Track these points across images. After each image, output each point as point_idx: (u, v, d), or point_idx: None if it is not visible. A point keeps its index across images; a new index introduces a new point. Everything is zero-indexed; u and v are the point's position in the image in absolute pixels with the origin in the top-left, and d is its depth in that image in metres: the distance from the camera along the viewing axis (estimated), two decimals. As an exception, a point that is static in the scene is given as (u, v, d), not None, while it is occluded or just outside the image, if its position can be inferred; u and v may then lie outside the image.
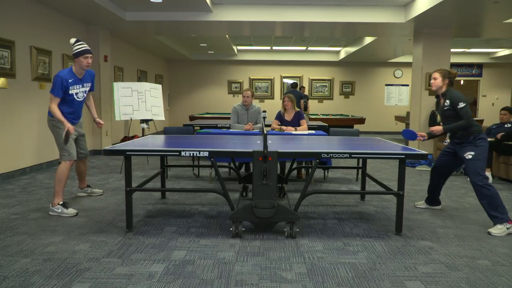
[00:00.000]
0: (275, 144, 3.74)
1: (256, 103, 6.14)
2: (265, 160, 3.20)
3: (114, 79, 9.22)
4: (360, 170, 4.98)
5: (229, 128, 6.06)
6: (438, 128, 3.78)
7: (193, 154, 3.25)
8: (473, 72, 14.44)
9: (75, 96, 4.04)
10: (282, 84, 14.75)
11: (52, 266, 2.70)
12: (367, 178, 4.53)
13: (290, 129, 5.56)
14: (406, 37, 9.23)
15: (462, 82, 14.26)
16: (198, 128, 6.79)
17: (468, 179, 5.78)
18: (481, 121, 10.32)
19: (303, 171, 6.08)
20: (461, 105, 3.61)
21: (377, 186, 4.28)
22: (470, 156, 3.61)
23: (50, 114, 4.00)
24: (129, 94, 6.00)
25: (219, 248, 3.07)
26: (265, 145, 3.23)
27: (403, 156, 3.30)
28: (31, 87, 6.09)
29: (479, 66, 14.38)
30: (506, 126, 5.95)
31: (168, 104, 14.62)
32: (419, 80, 8.32)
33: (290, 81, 12.22)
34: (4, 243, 3.13)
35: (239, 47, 13.56)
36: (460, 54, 13.51)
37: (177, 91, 14.89)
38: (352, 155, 3.31)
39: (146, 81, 11.52)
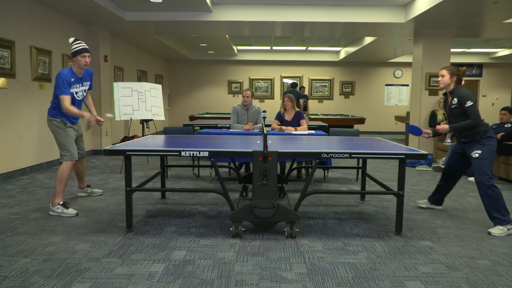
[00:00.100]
0: (275, 144, 3.74)
1: (256, 103, 6.13)
2: (265, 160, 3.20)
3: (114, 79, 9.22)
4: (360, 170, 4.98)
5: (229, 128, 6.06)
6: (444, 127, 3.74)
7: (193, 154, 3.25)
8: (473, 72, 14.44)
9: (75, 95, 4.04)
10: (282, 84, 14.75)
11: (52, 266, 2.70)
12: (367, 178, 4.53)
13: (290, 129, 5.56)
14: (406, 37, 9.23)
15: (462, 82, 14.23)
16: (198, 128, 6.79)
17: (468, 179, 5.83)
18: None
19: (303, 171, 6.08)
20: (469, 103, 3.56)
21: (377, 186, 4.28)
22: (477, 155, 3.57)
23: (50, 114, 4.00)
24: (129, 94, 5.99)
25: (219, 248, 3.07)
26: (265, 145, 3.23)
27: (403, 156, 3.29)
28: (31, 87, 6.09)
29: (479, 66, 14.39)
30: (506, 126, 5.95)
31: (168, 104, 14.62)
32: (419, 80, 8.32)
33: (290, 81, 12.23)
34: (4, 243, 3.13)
35: (239, 47, 13.56)
36: (460, 54, 13.51)
37: (177, 91, 14.89)
38: (352, 155, 3.31)
39: (146, 81, 11.52)
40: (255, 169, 3.25)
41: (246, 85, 14.72)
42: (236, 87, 14.79)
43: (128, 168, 3.35)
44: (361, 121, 10.64)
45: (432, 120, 7.97)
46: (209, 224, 3.65)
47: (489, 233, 3.47)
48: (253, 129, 5.68)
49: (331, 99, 14.84)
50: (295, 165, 4.98)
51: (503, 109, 6.17)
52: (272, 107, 13.25)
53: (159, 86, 6.55)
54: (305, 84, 14.60)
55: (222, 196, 3.43)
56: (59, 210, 3.84)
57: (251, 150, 3.26)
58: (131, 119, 6.18)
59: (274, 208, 3.23)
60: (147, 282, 2.50)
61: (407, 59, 13.03)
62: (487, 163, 3.54)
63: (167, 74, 14.69)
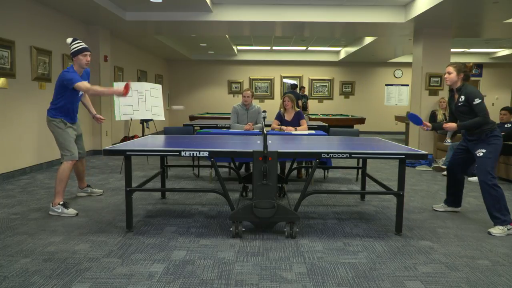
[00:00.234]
0: (275, 144, 3.74)
1: (256, 103, 6.13)
2: (265, 160, 3.20)
3: (114, 79, 9.22)
4: (360, 170, 4.98)
5: (229, 128, 6.06)
6: (452, 125, 3.67)
7: (193, 154, 3.25)
8: (473, 72, 14.43)
9: (78, 94, 4.05)
10: (282, 84, 14.75)
11: (52, 266, 2.70)
12: (367, 178, 4.53)
13: (290, 129, 5.56)
14: (406, 37, 9.23)
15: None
16: (198, 128, 6.79)
17: (469, 179, 5.83)
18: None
19: (303, 171, 6.08)
20: (477, 101, 3.51)
21: (377, 186, 4.28)
22: (481, 154, 3.54)
23: (50, 115, 4.00)
24: (129, 94, 5.97)
25: (219, 248, 3.07)
26: (265, 145, 3.23)
27: (403, 156, 3.29)
28: (31, 87, 6.09)
29: (479, 66, 14.39)
30: (506, 126, 5.95)
31: (168, 104, 14.62)
32: (419, 80, 8.32)
33: (290, 81, 12.24)
34: (4, 243, 3.13)
35: (239, 47, 13.56)
36: (460, 54, 13.50)
37: (177, 91, 14.89)
38: (352, 155, 3.31)
39: (146, 81, 11.52)
40: (255, 169, 3.25)
41: (246, 85, 14.72)
42: (236, 87, 14.79)
43: (128, 168, 3.35)
44: (361, 121, 10.64)
45: (432, 120, 7.97)
46: (209, 224, 3.65)
47: (489, 233, 3.47)
48: (253, 129, 5.68)
49: (331, 99, 14.84)
50: (295, 165, 4.98)
51: (503, 109, 6.17)
52: (272, 107, 13.25)
53: (159, 86, 6.55)
54: (305, 84, 14.60)
55: (222, 196, 3.43)
56: (59, 210, 3.84)
57: (251, 150, 3.26)
58: (131, 119, 6.18)
59: (274, 208, 3.23)
60: (147, 282, 2.50)
61: (407, 59, 13.03)
62: (490, 163, 3.52)
63: (167, 74, 14.69)
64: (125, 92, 3.89)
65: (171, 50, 12.02)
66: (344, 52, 13.29)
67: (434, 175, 6.34)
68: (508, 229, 3.45)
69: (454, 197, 4.11)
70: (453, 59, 9.60)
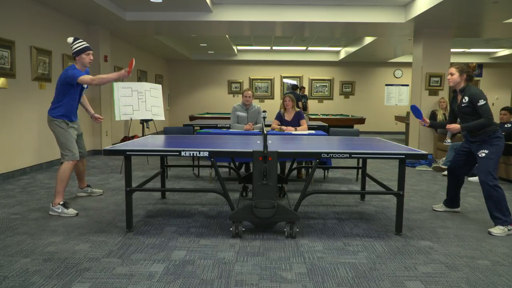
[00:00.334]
0: (275, 144, 3.74)
1: (256, 103, 6.13)
2: (265, 160, 3.20)
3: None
4: (360, 170, 4.98)
5: (229, 128, 6.06)
6: (455, 126, 3.65)
7: (193, 154, 3.25)
8: (475, 72, 14.44)
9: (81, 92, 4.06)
10: (282, 84, 14.75)
11: (52, 266, 2.70)
12: (367, 178, 4.53)
13: (290, 129, 5.56)
14: (406, 37, 9.23)
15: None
16: (198, 128, 6.79)
17: (469, 179, 5.83)
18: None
19: (303, 171, 6.08)
20: (481, 102, 3.49)
21: (377, 186, 4.28)
22: (483, 154, 3.54)
23: (52, 115, 3.99)
24: (129, 94, 5.99)
25: (219, 248, 3.07)
26: (265, 145, 3.23)
27: (403, 156, 3.29)
28: (31, 87, 6.09)
29: (479, 66, 14.38)
30: (506, 126, 5.95)
31: (168, 104, 14.62)
32: (419, 80, 8.32)
33: (290, 81, 12.24)
34: (4, 243, 3.13)
35: (239, 47, 13.56)
36: (460, 54, 13.50)
37: (177, 91, 14.89)
38: (352, 155, 3.31)
39: (146, 81, 11.52)
40: (255, 169, 3.25)
41: (246, 85, 14.71)
42: (236, 87, 14.79)
43: (128, 168, 3.35)
44: (361, 121, 10.64)
45: (432, 120, 7.97)
46: (209, 224, 3.65)
47: (489, 233, 3.47)
48: (253, 129, 5.68)
49: (331, 99, 14.84)
50: (295, 165, 4.98)
51: (503, 109, 6.16)
52: (272, 107, 13.25)
53: (159, 86, 6.55)
54: (305, 84, 14.60)
55: (222, 196, 3.43)
56: (59, 210, 3.84)
57: (251, 150, 3.26)
58: (131, 119, 6.18)
59: (274, 208, 3.23)
60: (147, 282, 2.50)
61: (407, 59, 13.03)
62: (492, 163, 3.52)
63: (167, 74, 14.69)
64: (129, 70, 3.88)
65: (171, 50, 12.02)
66: (344, 52, 13.29)
67: (434, 175, 6.34)
68: (508, 230, 3.45)
69: (453, 198, 4.12)
70: (453, 59, 9.62)
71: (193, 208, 4.19)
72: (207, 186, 5.31)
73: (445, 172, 6.02)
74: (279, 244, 3.15)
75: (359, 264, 2.82)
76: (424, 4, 6.58)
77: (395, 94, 14.86)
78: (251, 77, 14.77)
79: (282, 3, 7.29)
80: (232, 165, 4.99)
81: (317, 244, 3.18)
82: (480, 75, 14.50)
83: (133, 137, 8.27)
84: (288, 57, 14.10)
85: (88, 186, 4.70)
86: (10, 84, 5.58)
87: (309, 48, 13.28)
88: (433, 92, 8.27)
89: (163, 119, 6.57)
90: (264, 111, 4.74)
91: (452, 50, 8.84)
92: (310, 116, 10.29)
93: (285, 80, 14.76)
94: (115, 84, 6.01)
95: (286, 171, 5.13)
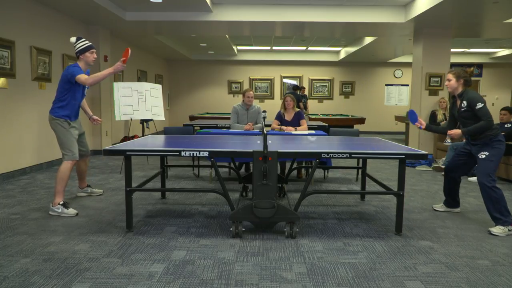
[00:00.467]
0: (275, 144, 3.74)
1: (256, 103, 6.13)
2: (265, 160, 3.20)
3: (114, 79, 9.21)
4: (360, 170, 4.98)
5: (229, 128, 6.06)
6: (456, 132, 3.67)
7: (193, 154, 3.25)
8: (474, 72, 14.42)
9: (83, 91, 4.06)
10: (282, 84, 14.76)
11: (52, 266, 2.70)
12: (367, 178, 4.53)
13: (290, 129, 5.56)
14: (406, 37, 9.23)
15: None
16: (198, 128, 6.79)
17: (469, 179, 5.83)
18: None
19: (303, 171, 6.08)
20: (480, 105, 3.52)
21: (377, 186, 4.28)
22: (484, 156, 3.56)
23: (54, 114, 3.99)
24: (129, 94, 5.99)
25: (219, 248, 3.07)
26: (265, 145, 3.23)
27: (403, 156, 3.29)
28: (31, 87, 6.09)
29: (479, 66, 14.38)
30: (506, 126, 5.94)
31: (168, 104, 14.62)
32: (419, 80, 8.32)
33: (290, 81, 12.23)
34: (4, 243, 3.13)
35: (239, 47, 13.56)
36: (460, 54, 13.50)
37: (177, 91, 14.89)
38: (352, 155, 3.31)
39: (146, 81, 11.52)
40: (255, 169, 3.25)
41: (246, 85, 14.70)
42: (236, 87, 14.79)
43: (128, 168, 3.35)
44: (361, 121, 10.64)
45: (432, 120, 7.97)
46: (209, 224, 3.65)
47: (490, 232, 3.48)
48: (253, 129, 5.68)
49: (331, 99, 14.84)
50: (295, 165, 4.98)
51: (503, 109, 6.16)
52: (272, 107, 13.25)
53: (159, 86, 6.55)
54: (305, 84, 14.60)
55: (222, 196, 3.43)
56: (59, 210, 3.84)
57: (251, 150, 3.26)
58: (131, 119, 6.18)
59: (274, 208, 3.23)
60: (147, 282, 2.50)
61: (407, 59, 13.03)
62: (492, 165, 3.54)
63: (167, 74, 14.69)
64: (125, 60, 3.86)
65: (171, 50, 12.02)
66: (344, 52, 13.29)
67: (434, 175, 6.34)
68: (509, 230, 3.45)
69: (451, 198, 4.13)
70: (453, 59, 9.62)
71: (193, 208, 4.19)
72: (207, 186, 5.31)
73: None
74: (279, 244, 3.15)
75: (359, 264, 2.82)
76: (424, 4, 6.58)
77: (395, 94, 14.86)
78: (251, 77, 14.76)
79: (282, 3, 7.29)
80: (232, 165, 4.99)
81: (317, 244, 3.18)
82: (480, 75, 14.49)
83: (133, 137, 8.27)
84: (288, 57, 14.10)
85: (88, 186, 4.70)
86: (10, 84, 5.58)
87: (309, 48, 13.27)
88: (433, 92, 8.26)
89: (163, 119, 6.57)
90: (264, 111, 4.74)
91: (452, 50, 8.84)
92: (310, 116, 10.29)
93: (285, 80, 14.76)
94: (115, 84, 6.01)
95: (286, 171, 5.13)
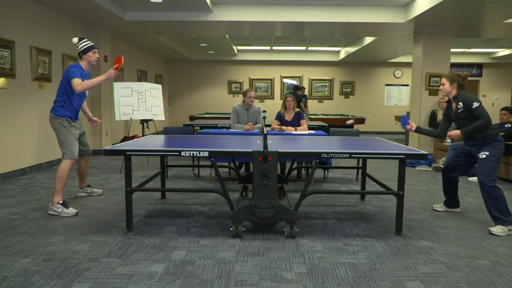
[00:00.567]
0: (275, 144, 3.74)
1: (256, 103, 6.13)
2: (265, 160, 3.20)
3: (114, 79, 9.21)
4: (360, 170, 4.98)
5: (229, 128, 6.06)
6: (456, 133, 3.68)
7: (193, 154, 3.25)
8: (473, 72, 14.43)
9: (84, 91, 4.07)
10: (282, 84, 14.76)
11: (52, 266, 2.70)
12: (367, 178, 4.53)
13: (290, 129, 5.56)
14: (406, 37, 9.23)
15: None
16: (198, 128, 6.79)
17: (469, 179, 5.83)
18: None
19: (303, 171, 6.07)
20: (476, 104, 3.55)
21: (377, 186, 4.28)
22: (484, 156, 3.57)
23: (55, 113, 3.99)
24: (129, 94, 5.99)
25: (219, 248, 3.07)
26: (265, 145, 3.23)
27: (403, 156, 3.29)
28: (31, 87, 6.09)
29: (479, 66, 14.38)
30: (506, 126, 5.95)
31: (168, 104, 14.62)
32: (419, 80, 8.32)
33: (290, 82, 12.22)
34: (4, 243, 3.13)
35: (239, 47, 13.56)
36: (460, 54, 13.50)
37: (177, 91, 14.89)
38: (352, 155, 3.31)
39: (146, 81, 11.52)
40: (255, 169, 3.25)
41: (246, 85, 14.69)
42: (236, 87, 14.79)
43: (128, 168, 3.35)
44: (361, 121, 10.64)
45: (432, 120, 7.97)
46: (209, 224, 3.65)
47: (490, 231, 3.48)
48: (253, 129, 5.68)
49: (331, 99, 14.84)
50: (295, 165, 4.98)
51: (503, 109, 6.17)
52: (272, 107, 13.24)
53: (159, 86, 6.55)
54: (305, 84, 14.60)
55: (222, 196, 3.43)
56: (59, 210, 3.84)
57: (251, 150, 3.26)
58: (131, 119, 6.18)
59: (274, 208, 3.23)
60: (147, 282, 2.50)
61: (407, 59, 13.03)
62: (492, 165, 3.55)
63: (167, 74, 14.69)
64: (118, 66, 3.90)
65: (171, 50, 12.02)
66: (344, 52, 13.29)
67: (434, 175, 6.34)
68: (509, 230, 3.45)
69: (450, 198, 4.14)
70: (453, 59, 9.63)
71: (193, 208, 4.19)
72: (207, 186, 5.31)
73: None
74: (279, 244, 3.15)
75: (359, 264, 2.82)
76: (424, 4, 6.58)
77: (395, 94, 14.86)
78: (251, 77, 14.76)
79: (282, 3, 7.29)
80: (232, 165, 4.99)
81: (317, 244, 3.18)
82: (480, 75, 14.49)
83: (133, 137, 8.27)
84: (288, 57, 14.10)
85: (88, 186, 4.71)
86: (10, 84, 5.58)
87: (309, 48, 13.27)
88: (433, 92, 8.26)
89: (163, 119, 6.57)
90: (264, 111, 4.74)
91: (452, 50, 8.84)
92: (310, 116, 10.29)
93: (285, 80, 14.76)
94: (115, 84, 6.01)
95: (286, 171, 5.13)
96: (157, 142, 4.10)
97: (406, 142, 9.35)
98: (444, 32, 8.05)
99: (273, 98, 14.70)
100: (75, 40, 4.04)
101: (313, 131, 5.70)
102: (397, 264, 2.82)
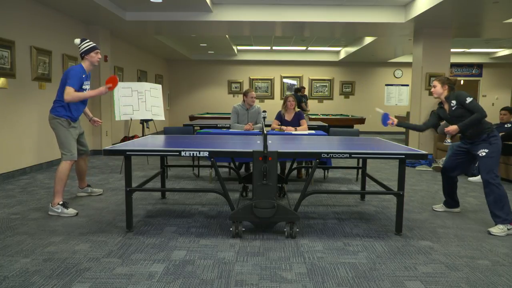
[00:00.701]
0: (275, 144, 3.74)
1: (256, 103, 6.13)
2: (265, 160, 3.20)
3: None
4: (360, 170, 4.98)
5: (229, 128, 6.06)
6: (453, 127, 3.69)
7: (193, 154, 3.25)
8: (473, 72, 14.44)
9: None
10: (282, 84, 14.76)
11: (52, 266, 2.70)
12: (367, 178, 4.53)
13: (290, 129, 5.56)
14: (406, 37, 9.23)
15: (462, 82, 14.27)
16: (198, 128, 6.79)
17: (469, 179, 5.83)
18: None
19: (303, 171, 6.08)
20: (469, 99, 3.60)
21: (377, 186, 4.28)
22: (484, 153, 3.58)
23: (54, 113, 3.99)
24: (129, 94, 6.00)
25: (219, 248, 3.07)
26: (265, 145, 3.23)
27: (403, 156, 3.29)
28: (31, 87, 6.09)
29: (479, 66, 14.38)
30: (506, 126, 5.95)
31: (168, 104, 14.62)
32: (419, 80, 8.32)
33: (290, 82, 12.22)
34: (4, 243, 3.13)
35: (239, 47, 13.56)
36: (460, 54, 13.50)
37: (177, 91, 14.89)
38: (352, 155, 3.31)
39: (146, 81, 11.52)
40: (255, 169, 3.25)
41: (246, 85, 14.69)
42: (236, 87, 14.79)
43: (128, 168, 3.35)
44: (361, 121, 10.64)
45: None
46: (209, 224, 3.65)
47: (489, 233, 3.48)
48: (253, 129, 5.68)
49: (331, 99, 14.84)
50: (295, 165, 4.98)
51: (503, 109, 6.17)
52: (272, 107, 13.24)
53: (159, 86, 6.55)
54: (305, 84, 14.61)
55: (222, 196, 3.43)
56: (59, 210, 3.84)
57: (251, 150, 3.26)
58: (131, 119, 6.18)
59: (274, 208, 3.23)
60: (147, 282, 2.50)
61: (407, 59, 13.03)
62: (494, 162, 3.56)
63: (167, 74, 14.69)
64: (111, 87, 3.94)
65: (171, 50, 12.02)
66: (344, 52, 13.29)
67: (434, 175, 6.34)
68: (508, 229, 3.46)
69: (450, 198, 4.14)
70: (453, 59, 9.63)
71: (193, 208, 4.19)
72: (207, 186, 5.31)
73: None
74: (279, 244, 3.15)
75: (359, 264, 2.82)
76: (424, 4, 6.58)
77: (395, 94, 14.86)
78: (251, 77, 14.77)
79: (282, 3, 7.29)
80: (232, 165, 4.99)
81: (317, 244, 3.18)
82: (480, 75, 14.49)
83: (133, 137, 8.27)
84: (288, 57, 14.10)
85: (88, 186, 4.71)
86: (10, 84, 5.58)
87: (309, 48, 13.28)
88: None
89: (163, 119, 6.57)
90: (264, 111, 4.74)
91: (452, 50, 8.84)
92: (310, 116, 10.29)
93: (285, 80, 14.76)
94: (115, 84, 6.00)
95: (286, 171, 5.13)
96: (157, 142, 4.10)
97: (406, 142, 9.35)
98: (444, 32, 8.05)
99: (273, 98, 14.70)
100: (77, 41, 4.05)
101: (313, 131, 5.70)
102: (397, 264, 2.82)
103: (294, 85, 14.65)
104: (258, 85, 14.77)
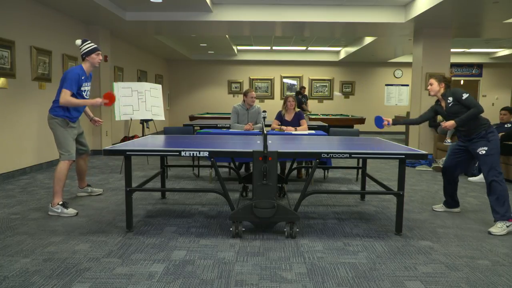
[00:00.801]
0: (275, 144, 3.74)
1: (256, 103, 6.13)
2: (265, 160, 3.20)
3: (114, 79, 9.22)
4: (360, 170, 4.98)
5: (229, 128, 6.06)
6: (450, 123, 3.71)
7: (193, 154, 3.25)
8: (473, 72, 14.44)
9: (84, 94, 4.07)
10: (282, 84, 14.76)
11: (52, 266, 2.70)
12: (367, 178, 4.53)
13: (290, 129, 5.56)
14: (406, 37, 9.23)
15: (462, 82, 14.28)
16: (198, 128, 6.79)
17: (469, 179, 5.84)
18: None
19: (303, 171, 6.08)
20: (465, 95, 3.64)
21: (377, 186, 4.28)
22: (484, 152, 3.59)
23: (53, 113, 3.99)
24: (129, 94, 6.00)
25: (219, 248, 3.07)
26: (265, 145, 3.23)
27: (403, 156, 3.29)
28: (31, 87, 6.09)
29: (479, 66, 14.38)
30: (506, 126, 5.95)
31: (168, 104, 14.62)
32: (419, 80, 8.32)
33: (290, 82, 12.21)
34: (4, 243, 3.13)
35: (239, 47, 13.56)
36: (460, 54, 13.50)
37: (177, 91, 14.89)
38: (352, 155, 3.31)
39: (146, 81, 11.53)
40: (255, 169, 3.25)
41: (246, 85, 14.70)
42: (236, 87, 14.80)
43: (128, 168, 3.35)
44: (361, 121, 10.64)
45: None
46: (209, 224, 3.65)
47: (489, 233, 3.48)
48: (253, 129, 5.68)
49: (331, 99, 14.84)
50: (295, 165, 4.98)
51: (503, 109, 6.17)
52: (272, 107, 13.24)
53: (159, 86, 6.55)
54: (305, 84, 14.61)
55: (222, 196, 3.43)
56: (59, 210, 3.84)
57: (251, 150, 3.26)
58: (131, 119, 6.18)
59: (274, 208, 3.23)
60: (147, 282, 2.50)
61: (407, 59, 13.03)
62: (494, 159, 3.57)
63: (167, 74, 14.70)
64: (107, 103, 4.01)
65: (171, 50, 12.02)
66: (344, 52, 13.29)
67: (434, 175, 6.34)
68: (507, 226, 3.46)
69: (450, 198, 4.14)
70: (453, 59, 9.63)
71: (193, 208, 4.19)
72: (207, 186, 5.31)
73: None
74: (279, 244, 3.15)
75: (359, 264, 2.82)
76: (424, 4, 6.59)
77: (395, 94, 14.87)
78: (251, 77, 14.77)
79: (282, 3, 7.29)
80: (232, 165, 4.99)
81: (317, 244, 3.18)
82: (480, 75, 14.50)
83: (133, 137, 8.27)
84: (288, 57, 14.10)
85: (88, 185, 4.70)
86: (10, 84, 5.58)
87: (309, 48, 13.28)
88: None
89: (163, 119, 6.57)
90: (264, 111, 4.74)
91: (452, 50, 8.84)
92: (310, 116, 10.29)
93: (285, 80, 14.76)
94: (115, 84, 6.01)
95: (286, 171, 5.13)
96: (157, 142, 4.10)
97: (406, 142, 9.35)
98: (444, 32, 8.05)
99: (273, 98, 14.71)
100: (79, 42, 4.05)
101: (313, 131, 5.70)
102: (397, 264, 2.82)
103: (294, 85, 14.67)
104: (258, 85, 14.78)
